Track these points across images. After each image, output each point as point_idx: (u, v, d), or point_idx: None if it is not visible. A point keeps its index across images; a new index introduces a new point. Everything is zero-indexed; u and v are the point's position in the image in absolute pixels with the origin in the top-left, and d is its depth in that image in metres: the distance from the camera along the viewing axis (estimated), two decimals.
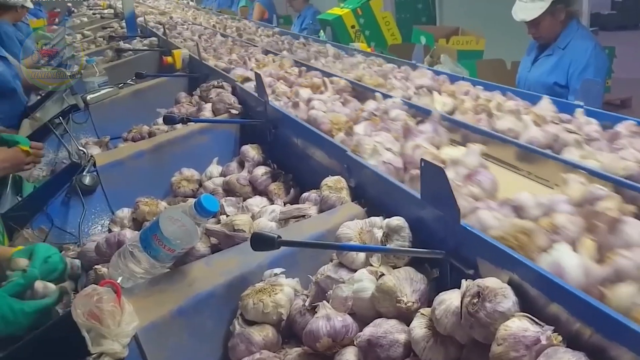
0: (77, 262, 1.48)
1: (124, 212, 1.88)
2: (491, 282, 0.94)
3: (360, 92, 2.26)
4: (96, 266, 1.37)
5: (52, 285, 1.40)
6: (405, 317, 1.06)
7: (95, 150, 2.29)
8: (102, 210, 1.97)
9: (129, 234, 1.43)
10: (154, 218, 1.26)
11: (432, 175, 1.15)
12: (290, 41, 3.86)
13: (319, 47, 3.46)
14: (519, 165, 1.52)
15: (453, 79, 2.40)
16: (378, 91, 2.11)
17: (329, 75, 2.52)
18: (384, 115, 1.85)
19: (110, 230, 1.85)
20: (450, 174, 1.24)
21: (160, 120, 2.46)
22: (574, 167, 1.34)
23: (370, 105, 1.97)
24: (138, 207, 1.85)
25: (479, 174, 1.32)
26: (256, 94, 2.18)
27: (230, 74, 2.69)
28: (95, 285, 1.07)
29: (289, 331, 1.20)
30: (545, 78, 3.13)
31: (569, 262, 0.95)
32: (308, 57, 3.15)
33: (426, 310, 1.03)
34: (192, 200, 1.29)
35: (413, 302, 1.07)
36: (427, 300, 1.09)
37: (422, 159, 1.20)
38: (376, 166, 1.44)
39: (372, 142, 1.50)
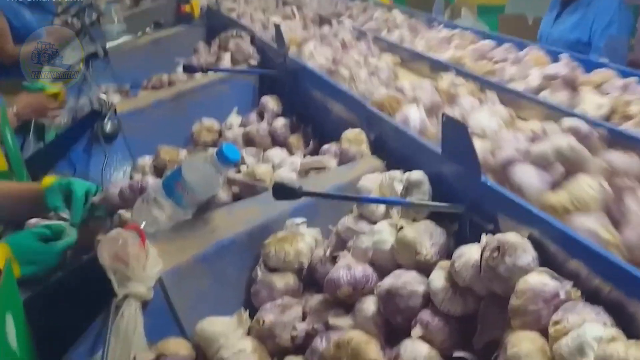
0: (102, 207, 1.51)
1: (145, 160, 1.90)
2: (511, 237, 0.95)
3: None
4: (120, 211, 1.39)
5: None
6: (424, 269, 1.07)
7: (115, 98, 2.30)
8: (123, 158, 1.99)
9: (152, 181, 1.44)
10: (177, 165, 1.27)
11: (453, 130, 1.15)
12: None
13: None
14: None
15: (588, 65, 1.85)
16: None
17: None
18: None
19: (131, 177, 1.87)
20: None
21: (179, 69, 2.46)
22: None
23: None
24: (159, 155, 1.86)
25: None
26: (275, 45, 2.17)
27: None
28: (121, 229, 1.09)
29: (310, 279, 1.21)
30: (567, 35, 3.08)
31: None
32: (378, 27, 2.67)
33: (445, 263, 1.04)
34: (213, 149, 1.30)
35: (432, 255, 1.08)
36: (446, 253, 1.10)
37: (443, 114, 1.20)
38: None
39: None
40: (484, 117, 1.44)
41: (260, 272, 1.18)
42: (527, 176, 1.16)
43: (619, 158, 1.18)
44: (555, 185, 1.14)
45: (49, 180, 1.55)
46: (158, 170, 1.85)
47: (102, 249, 1.08)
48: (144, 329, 1.07)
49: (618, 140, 1.28)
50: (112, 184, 1.54)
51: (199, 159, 1.25)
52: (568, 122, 1.33)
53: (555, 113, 1.46)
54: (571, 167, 1.16)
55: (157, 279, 1.09)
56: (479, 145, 1.23)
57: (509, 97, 1.62)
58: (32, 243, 1.37)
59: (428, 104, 1.54)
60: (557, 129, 1.31)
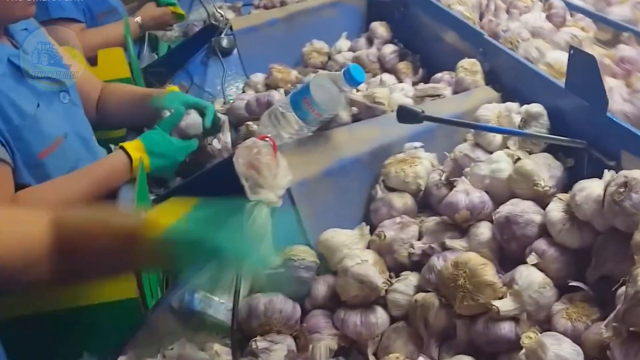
0: (225, 117, 1.56)
1: (258, 77, 1.93)
2: (638, 174, 0.93)
3: None
4: (248, 122, 1.44)
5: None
6: (540, 200, 1.08)
7: (229, 15, 2.32)
8: (237, 73, 2.03)
9: (278, 96, 1.48)
10: (304, 82, 1.30)
11: (581, 63, 1.12)
12: None
13: None
14: None
15: None
16: None
17: None
18: None
19: (243, 92, 1.91)
20: None
21: None
22: None
23: None
24: (271, 73, 1.89)
25: None
26: None
27: None
28: (255, 139, 1.13)
29: (424, 202, 1.24)
30: None
31: None
32: None
33: (564, 196, 1.04)
34: (336, 72, 1.31)
35: (550, 187, 1.08)
36: (562, 187, 1.10)
37: (571, 46, 1.17)
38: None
39: None
40: None
41: (380, 191, 1.21)
42: None
43: None
44: None
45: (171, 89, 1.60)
46: (270, 88, 1.88)
47: (238, 155, 1.12)
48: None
49: None
50: (238, 96, 1.58)
51: (326, 78, 1.27)
52: None
53: None
54: None
55: (286, 188, 1.13)
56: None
57: None
58: (161, 137, 1.44)
59: None
60: None
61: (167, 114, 1.48)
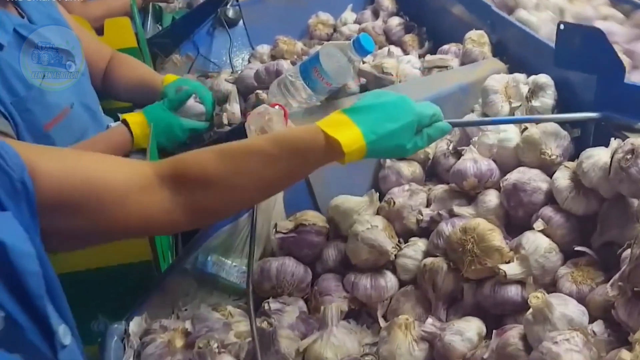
0: (233, 87, 1.57)
1: (264, 48, 1.95)
2: None
3: None
4: (257, 91, 1.45)
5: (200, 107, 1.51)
6: (547, 169, 1.11)
7: None
8: (242, 44, 2.04)
9: (286, 65, 1.49)
10: (310, 53, 1.31)
11: (579, 37, 1.14)
12: None
13: None
14: None
15: None
16: None
17: None
18: None
19: (249, 62, 1.93)
20: None
21: None
22: None
23: None
24: (277, 44, 1.90)
25: None
26: None
27: None
28: (267, 105, 1.15)
29: (432, 171, 1.26)
30: None
31: None
32: None
33: (570, 164, 1.07)
34: (345, 42, 1.33)
35: (557, 156, 1.11)
36: (568, 156, 1.13)
37: (560, 22, 1.19)
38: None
39: None
40: None
41: (388, 159, 1.24)
42: None
43: None
44: None
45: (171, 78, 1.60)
46: (275, 60, 1.89)
47: (250, 122, 1.14)
48: (283, 202, 1.16)
49: None
50: (246, 65, 1.60)
51: (335, 48, 1.29)
52: None
53: None
54: None
55: None
56: None
57: None
58: (164, 114, 1.45)
59: None
60: None
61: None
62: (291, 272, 1.09)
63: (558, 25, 1.19)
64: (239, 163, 0.86)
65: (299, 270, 1.10)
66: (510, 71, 1.39)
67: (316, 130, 0.89)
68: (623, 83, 1.08)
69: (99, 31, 1.95)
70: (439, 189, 1.17)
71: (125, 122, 1.42)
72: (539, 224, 1.02)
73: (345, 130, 0.89)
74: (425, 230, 1.13)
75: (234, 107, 1.55)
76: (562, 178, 1.05)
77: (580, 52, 1.17)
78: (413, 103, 0.97)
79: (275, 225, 1.14)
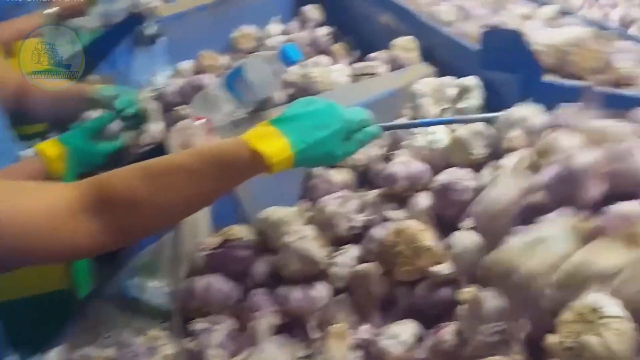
0: (155, 104, 1.58)
1: (187, 64, 1.97)
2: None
3: None
4: (180, 106, 1.47)
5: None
6: (476, 167, 1.16)
7: (155, 2, 2.34)
8: (164, 62, 2.05)
9: (209, 79, 1.52)
10: (238, 63, 1.35)
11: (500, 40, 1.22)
12: None
13: None
14: None
15: None
16: None
17: None
18: None
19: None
20: None
21: None
22: None
23: None
24: (200, 60, 1.93)
25: None
26: None
27: None
28: (190, 120, 1.18)
29: (363, 177, 1.31)
30: None
31: None
32: None
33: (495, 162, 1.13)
34: (271, 52, 1.37)
35: (482, 154, 1.17)
36: (496, 153, 1.19)
37: (484, 25, 1.27)
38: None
39: None
40: None
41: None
42: None
43: None
44: None
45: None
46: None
47: (172, 138, 1.17)
48: (210, 217, 1.18)
49: None
50: (167, 82, 1.62)
51: (261, 58, 1.33)
52: None
53: None
54: None
55: None
56: None
57: None
58: (81, 142, 1.44)
59: None
60: None
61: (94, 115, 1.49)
62: (218, 289, 1.11)
63: (482, 29, 1.27)
64: (163, 180, 0.88)
65: (227, 287, 1.12)
66: (439, 75, 1.46)
67: (241, 142, 0.91)
68: (541, 81, 1.15)
69: (9, 54, 1.93)
70: (372, 194, 1.22)
71: (40, 152, 1.40)
72: (467, 223, 1.07)
73: (271, 141, 0.91)
74: (359, 237, 1.17)
75: (157, 124, 1.56)
76: (489, 176, 1.11)
77: (502, 54, 1.24)
78: (342, 109, 1.00)
79: (201, 243, 1.16)
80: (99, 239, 0.86)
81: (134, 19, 2.10)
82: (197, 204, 0.95)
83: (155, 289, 1.13)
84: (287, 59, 1.31)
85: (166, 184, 0.88)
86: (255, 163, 0.91)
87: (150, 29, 2.04)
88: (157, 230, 1.05)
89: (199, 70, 1.93)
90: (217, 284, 1.12)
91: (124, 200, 0.87)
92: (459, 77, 1.36)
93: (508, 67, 1.24)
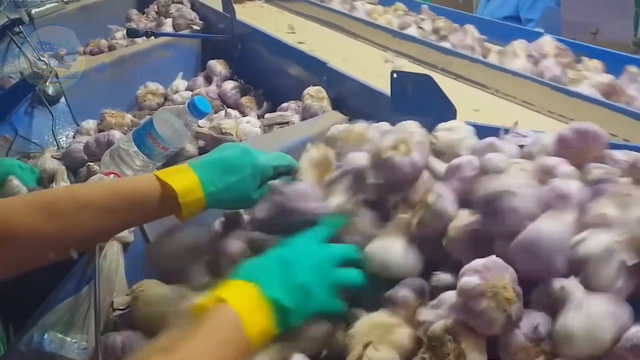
0: (60, 164, 1.52)
1: (90, 124, 1.91)
2: None
3: None
4: (89, 163, 1.41)
5: None
6: None
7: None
8: (66, 122, 2.00)
9: (118, 135, 1.47)
10: (147, 118, 1.31)
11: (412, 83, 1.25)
12: None
13: None
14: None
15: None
16: None
17: None
18: None
19: (74, 138, 1.87)
20: None
21: (117, 34, 2.46)
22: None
23: None
24: (104, 118, 1.87)
25: None
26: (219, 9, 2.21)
27: None
28: (102, 175, 1.13)
29: None
30: (498, 13, 3.26)
31: None
32: None
33: None
34: (179, 106, 1.35)
35: None
36: None
37: (393, 71, 1.29)
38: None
39: None
40: None
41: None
42: None
43: None
44: None
45: None
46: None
47: None
48: (126, 271, 1.13)
49: None
50: (73, 140, 1.56)
51: (170, 111, 1.30)
52: None
53: None
54: None
55: None
56: None
57: None
58: None
59: None
60: None
61: None
62: (138, 346, 1.04)
63: (391, 74, 1.29)
64: (69, 218, 0.85)
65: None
66: (351, 121, 1.47)
67: (152, 177, 0.92)
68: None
69: None
70: None
71: None
72: None
73: (182, 176, 0.92)
74: None
75: (64, 184, 1.49)
76: None
77: (413, 98, 1.27)
78: (256, 154, 1.01)
79: (112, 303, 1.10)
80: None
81: (34, 79, 2.04)
82: (105, 236, 1.00)
83: (72, 344, 1.07)
84: (196, 111, 1.30)
85: (73, 221, 0.86)
86: (165, 197, 0.91)
87: (49, 89, 1.98)
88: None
89: (103, 128, 1.87)
90: (137, 341, 1.06)
91: (24, 236, 0.83)
92: (371, 122, 1.37)
93: (420, 110, 1.26)
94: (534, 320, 0.73)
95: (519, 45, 1.71)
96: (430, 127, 1.25)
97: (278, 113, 1.59)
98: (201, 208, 0.94)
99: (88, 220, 0.86)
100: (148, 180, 0.92)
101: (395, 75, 1.28)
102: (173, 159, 1.36)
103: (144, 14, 2.78)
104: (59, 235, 0.85)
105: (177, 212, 0.93)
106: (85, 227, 0.86)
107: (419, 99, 1.27)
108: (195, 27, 2.35)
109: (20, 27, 2.61)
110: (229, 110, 1.72)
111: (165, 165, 1.35)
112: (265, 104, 1.85)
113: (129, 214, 0.90)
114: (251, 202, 0.99)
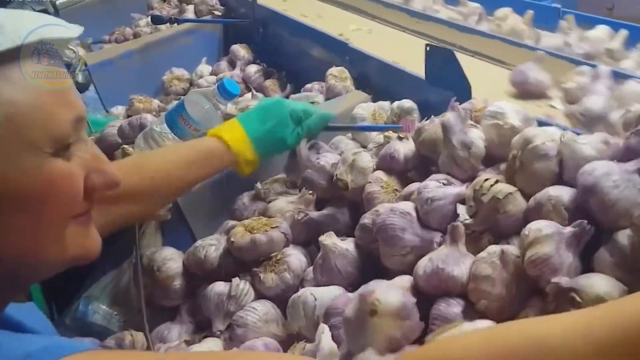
0: None
1: (119, 110, 1.97)
2: None
3: None
4: (124, 146, 1.46)
5: None
6: None
7: (80, 52, 2.32)
8: (95, 109, 2.05)
9: (150, 117, 1.52)
10: (178, 101, 1.35)
11: (440, 58, 1.28)
12: None
13: None
14: None
15: None
16: None
17: None
18: None
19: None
20: None
21: (141, 22, 2.51)
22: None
23: None
24: (133, 104, 1.93)
25: None
26: None
27: None
28: None
29: None
30: None
31: None
32: None
33: None
34: (209, 88, 1.39)
35: None
36: None
37: (427, 44, 1.33)
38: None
39: None
40: None
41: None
42: None
43: None
44: None
45: None
46: None
47: None
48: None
49: None
50: (108, 124, 1.60)
51: (200, 93, 1.34)
52: None
53: None
54: None
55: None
56: None
57: None
58: None
59: None
60: None
61: None
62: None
63: (426, 47, 1.32)
64: (161, 173, 1.05)
65: None
66: (374, 100, 1.50)
67: (210, 137, 1.15)
68: (470, 98, 1.21)
69: None
70: None
71: None
72: None
73: (231, 131, 1.14)
74: None
75: None
76: None
77: (440, 72, 1.30)
78: (287, 102, 1.23)
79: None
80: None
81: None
82: (188, 187, 1.14)
83: (114, 316, 1.13)
84: (226, 93, 1.34)
85: (163, 175, 1.04)
86: (223, 149, 1.11)
87: (79, 77, 2.03)
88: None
89: (132, 114, 1.92)
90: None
91: (128, 195, 0.96)
92: (394, 100, 1.40)
93: (445, 85, 1.29)
94: None
95: None
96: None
97: (304, 94, 1.63)
98: (252, 152, 1.13)
99: (175, 173, 1.04)
100: (207, 139, 1.12)
101: (428, 48, 1.31)
102: None
103: (165, 1, 2.82)
104: (151, 191, 1.02)
105: (235, 162, 1.13)
106: (174, 180, 1.04)
107: (442, 74, 1.31)
108: (216, 12, 2.39)
109: None
110: (255, 93, 1.76)
111: None
112: (288, 86, 1.89)
113: (204, 166, 1.09)
114: (287, 145, 1.19)
